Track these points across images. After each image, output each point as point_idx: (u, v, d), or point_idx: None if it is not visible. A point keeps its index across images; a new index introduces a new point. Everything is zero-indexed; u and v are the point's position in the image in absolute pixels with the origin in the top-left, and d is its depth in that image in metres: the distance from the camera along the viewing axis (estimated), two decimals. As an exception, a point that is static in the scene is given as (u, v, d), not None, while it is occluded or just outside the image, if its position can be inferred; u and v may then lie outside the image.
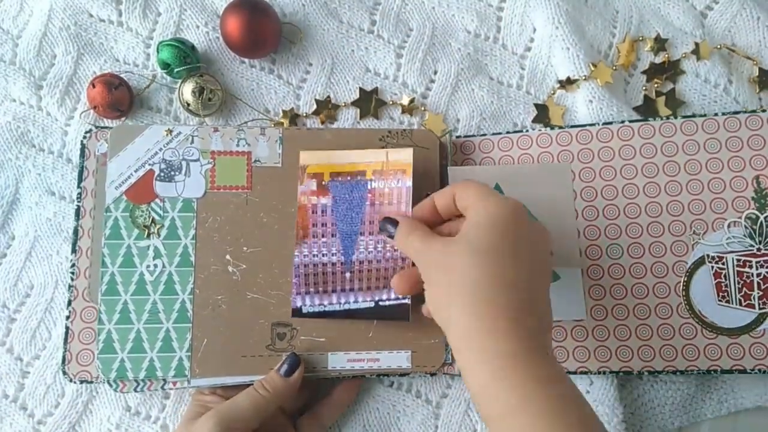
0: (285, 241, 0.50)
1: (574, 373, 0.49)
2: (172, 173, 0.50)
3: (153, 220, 0.49)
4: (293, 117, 0.57)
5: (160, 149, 0.50)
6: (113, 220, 0.49)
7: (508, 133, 0.53)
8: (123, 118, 0.57)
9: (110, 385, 0.48)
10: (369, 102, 0.57)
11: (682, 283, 0.49)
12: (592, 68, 0.56)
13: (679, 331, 0.48)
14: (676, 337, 0.48)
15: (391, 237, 0.44)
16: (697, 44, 0.57)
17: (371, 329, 0.49)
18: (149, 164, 0.50)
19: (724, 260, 0.49)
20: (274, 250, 0.50)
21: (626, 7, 0.59)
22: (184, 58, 0.55)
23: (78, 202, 0.51)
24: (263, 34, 0.55)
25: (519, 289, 0.36)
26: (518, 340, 0.34)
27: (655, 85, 0.57)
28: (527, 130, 0.53)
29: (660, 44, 0.58)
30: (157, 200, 0.50)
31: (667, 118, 0.51)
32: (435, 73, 0.58)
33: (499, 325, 0.35)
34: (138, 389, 0.48)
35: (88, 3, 0.59)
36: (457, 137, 0.54)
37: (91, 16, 0.59)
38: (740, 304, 0.48)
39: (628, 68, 0.58)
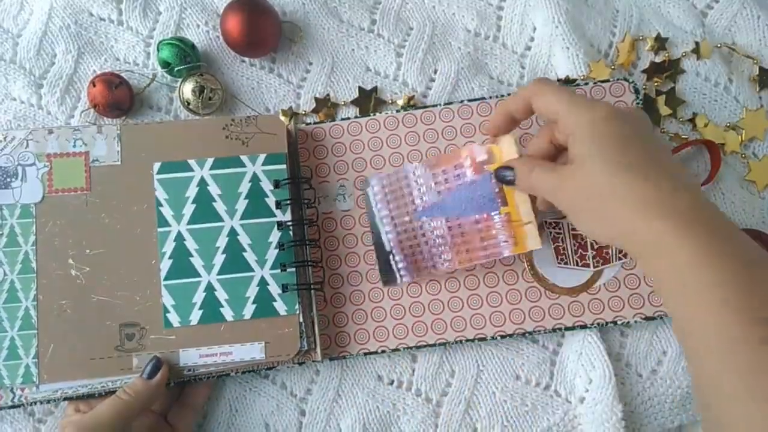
0: (129, 240, 0.49)
1: (433, 345, 0.51)
2: (8, 180, 0.49)
3: None
4: (293, 115, 0.57)
5: None
6: None
7: (356, 117, 0.55)
8: (124, 117, 0.57)
9: None
10: (368, 101, 0.57)
11: None
12: (592, 67, 0.56)
13: (525, 295, 0.51)
14: (523, 301, 0.51)
15: (512, 183, 0.44)
16: (697, 43, 0.57)
17: (222, 325, 0.49)
18: None
19: (560, 225, 0.52)
20: (118, 250, 0.49)
21: (626, 6, 0.59)
22: (185, 57, 0.55)
23: None
24: (263, 33, 0.55)
25: (661, 171, 0.37)
26: (696, 198, 0.36)
27: (656, 84, 0.57)
28: (394, 112, 0.56)
29: (660, 43, 0.58)
30: None
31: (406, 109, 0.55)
32: (435, 72, 0.58)
33: (674, 193, 0.36)
34: None
35: (89, 2, 0.59)
36: (307, 124, 0.55)
37: (92, 15, 0.60)
38: (577, 265, 0.52)
39: (628, 67, 0.58)
